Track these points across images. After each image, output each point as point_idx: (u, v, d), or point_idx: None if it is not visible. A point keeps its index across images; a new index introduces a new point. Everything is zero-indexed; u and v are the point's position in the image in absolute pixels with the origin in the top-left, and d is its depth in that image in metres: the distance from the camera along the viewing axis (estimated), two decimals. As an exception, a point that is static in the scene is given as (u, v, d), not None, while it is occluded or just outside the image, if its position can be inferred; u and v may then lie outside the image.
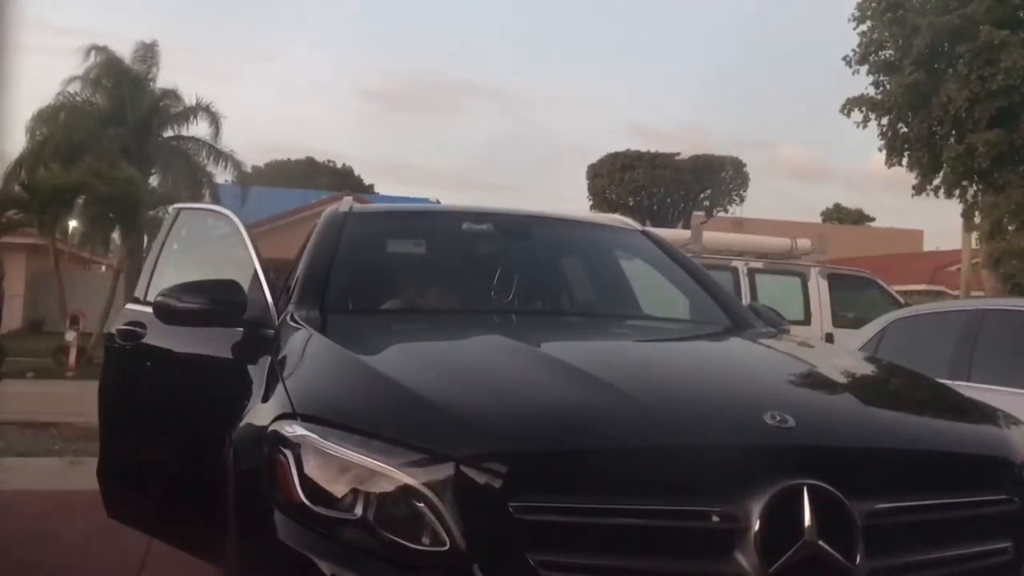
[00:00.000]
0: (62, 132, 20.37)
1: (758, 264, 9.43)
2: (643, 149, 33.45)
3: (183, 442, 2.77)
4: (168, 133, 22.34)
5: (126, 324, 3.20)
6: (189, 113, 22.03)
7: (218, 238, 3.57)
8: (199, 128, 22.19)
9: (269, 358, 2.27)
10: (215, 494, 2.23)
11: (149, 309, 2.95)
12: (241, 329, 2.62)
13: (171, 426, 2.88)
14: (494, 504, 1.53)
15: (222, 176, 22.60)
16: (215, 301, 2.56)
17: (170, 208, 3.72)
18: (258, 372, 2.27)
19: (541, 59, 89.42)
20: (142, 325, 3.10)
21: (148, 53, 21.75)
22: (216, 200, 21.93)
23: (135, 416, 3.10)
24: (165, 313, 2.64)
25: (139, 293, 3.37)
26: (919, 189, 16.92)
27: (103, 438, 3.28)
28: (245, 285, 2.70)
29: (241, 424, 2.02)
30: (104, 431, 3.27)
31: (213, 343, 2.69)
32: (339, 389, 1.90)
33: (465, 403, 1.74)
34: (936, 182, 16.76)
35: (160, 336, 2.99)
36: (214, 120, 21.92)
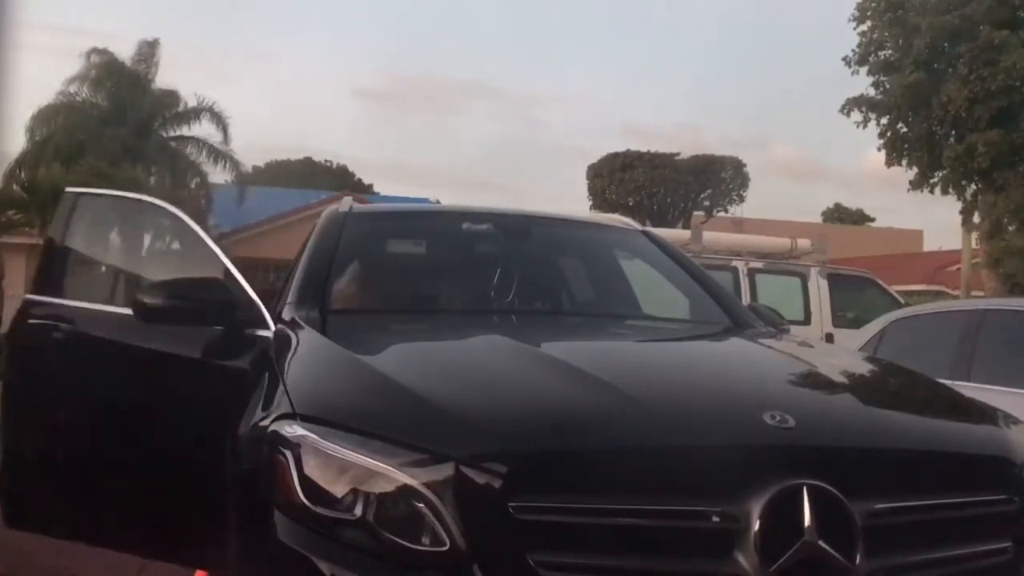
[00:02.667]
0: (63, 132, 20.38)
1: (758, 264, 9.42)
2: (642, 149, 33.52)
3: (146, 442, 2.65)
4: (169, 133, 22.36)
5: (44, 318, 2.94)
6: (191, 114, 22.05)
7: (147, 229, 3.49)
8: (201, 128, 22.23)
9: (266, 357, 2.27)
10: (191, 493, 2.27)
11: (75, 303, 2.89)
12: (223, 327, 2.55)
13: (127, 426, 2.73)
14: (494, 504, 1.53)
15: (222, 176, 22.63)
16: (204, 300, 2.50)
17: (65, 193, 3.30)
18: (258, 372, 2.27)
19: (541, 59, 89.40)
20: (65, 319, 2.90)
21: (150, 51, 21.77)
22: (209, 200, 21.95)
23: (74, 416, 2.83)
24: (148, 312, 2.50)
25: (48, 285, 3.06)
26: (916, 184, 16.90)
27: (13, 440, 2.97)
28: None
29: (240, 424, 2.02)
30: (13, 433, 2.96)
31: (181, 341, 2.62)
32: (339, 389, 1.90)
33: (465, 403, 1.74)
34: (934, 180, 16.76)
35: (107, 331, 2.83)
36: (219, 120, 21.94)
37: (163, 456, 2.61)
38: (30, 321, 3.00)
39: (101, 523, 2.83)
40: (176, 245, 3.58)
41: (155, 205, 3.24)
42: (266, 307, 2.59)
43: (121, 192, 3.96)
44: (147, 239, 3.76)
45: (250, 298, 2.57)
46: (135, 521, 2.73)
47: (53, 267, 3.15)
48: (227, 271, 2.69)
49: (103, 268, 3.60)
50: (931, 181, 16.78)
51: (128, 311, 2.79)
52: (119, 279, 3.53)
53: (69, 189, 3.35)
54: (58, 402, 2.88)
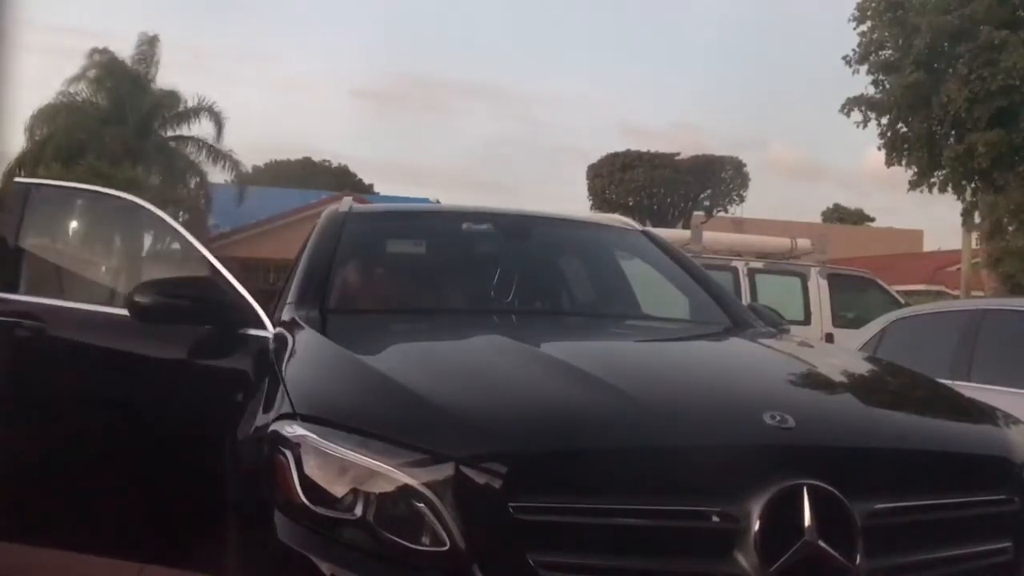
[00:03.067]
0: (63, 132, 20.38)
1: (758, 264, 9.42)
2: (642, 149, 33.56)
3: (122, 443, 2.62)
4: (169, 133, 22.36)
5: (2, 315, 2.81)
6: (190, 113, 22.05)
7: (108, 221, 3.42)
8: (200, 128, 22.23)
9: (266, 357, 2.27)
10: (178, 495, 2.28)
11: (35, 299, 2.83)
12: (215, 327, 2.54)
13: (98, 426, 2.66)
14: (494, 504, 1.53)
15: (221, 176, 22.63)
16: (199, 299, 2.49)
17: (15, 183, 3.14)
18: (258, 372, 2.27)
19: (541, 59, 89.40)
20: (27, 316, 2.79)
21: (150, 49, 21.77)
22: (209, 200, 21.96)
23: (41, 416, 2.73)
24: (143, 311, 2.45)
25: (3, 281, 2.94)
26: (915, 184, 16.89)
27: None
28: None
29: (242, 424, 2.02)
30: None
31: (157, 339, 2.60)
32: (339, 389, 1.90)
33: (465, 403, 1.75)
34: (933, 181, 16.76)
35: (74, 328, 2.78)
36: (217, 120, 21.95)
37: (142, 456, 2.58)
38: None
39: (79, 530, 2.74)
40: (145, 238, 3.52)
41: (116, 197, 3.16)
42: (262, 307, 2.59)
43: (75, 184, 3.87)
44: (109, 232, 3.67)
45: (243, 298, 2.57)
46: (116, 525, 2.66)
47: (7, 261, 3.03)
48: (212, 266, 2.68)
49: (61, 262, 3.48)
50: (931, 181, 16.78)
51: (93, 307, 2.77)
52: (79, 273, 3.46)
53: (19, 180, 3.23)
54: (25, 402, 2.76)
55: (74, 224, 3.50)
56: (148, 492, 2.58)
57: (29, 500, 2.78)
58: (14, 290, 2.94)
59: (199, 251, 2.76)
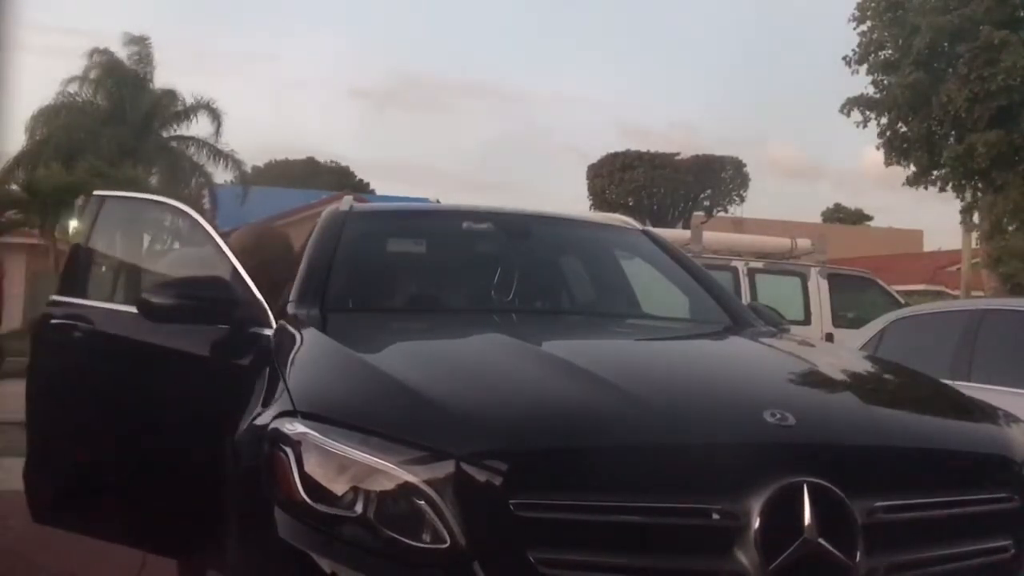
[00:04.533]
0: (63, 132, 20.39)
1: (758, 264, 9.42)
2: (642, 149, 33.57)
3: (162, 441, 2.67)
4: (168, 133, 22.36)
5: (64, 318, 3.04)
6: (189, 112, 22.05)
7: (165, 231, 3.60)
8: (199, 127, 22.24)
9: (267, 355, 2.28)
10: (198, 492, 2.28)
11: (94, 303, 3.02)
12: (228, 326, 2.57)
13: (145, 424, 2.75)
14: (495, 502, 1.53)
15: (223, 176, 22.63)
16: (207, 299, 2.51)
17: (92, 195, 3.43)
18: (258, 370, 2.27)
19: (540, 59, 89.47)
20: (85, 319, 3.00)
21: (143, 48, 21.77)
22: (213, 200, 22.00)
23: (94, 415, 2.89)
24: (152, 310, 2.51)
25: (71, 286, 3.20)
26: (914, 181, 16.87)
27: (36, 438, 3.08)
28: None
29: (241, 422, 2.02)
30: (40, 431, 3.07)
31: (193, 340, 2.64)
32: (340, 387, 1.90)
33: (466, 400, 1.75)
34: (932, 179, 16.77)
35: (124, 331, 2.86)
36: (215, 117, 21.96)
37: (181, 455, 2.61)
38: (52, 321, 3.10)
39: (129, 522, 2.85)
40: (194, 247, 3.64)
41: (176, 208, 3.31)
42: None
43: (145, 195, 4.08)
44: (168, 241, 3.86)
45: (254, 297, 2.59)
46: (161, 521, 2.75)
47: (77, 268, 3.27)
48: (235, 271, 2.72)
49: (126, 269, 3.70)
50: (929, 179, 16.77)
51: (124, 307, 2.84)
52: (140, 279, 3.60)
53: (97, 192, 3.47)
54: (80, 400, 2.94)
55: (139, 232, 3.76)
56: (154, 488, 2.64)
57: (86, 492, 2.94)
58: (81, 294, 3.17)
59: (228, 256, 2.80)
